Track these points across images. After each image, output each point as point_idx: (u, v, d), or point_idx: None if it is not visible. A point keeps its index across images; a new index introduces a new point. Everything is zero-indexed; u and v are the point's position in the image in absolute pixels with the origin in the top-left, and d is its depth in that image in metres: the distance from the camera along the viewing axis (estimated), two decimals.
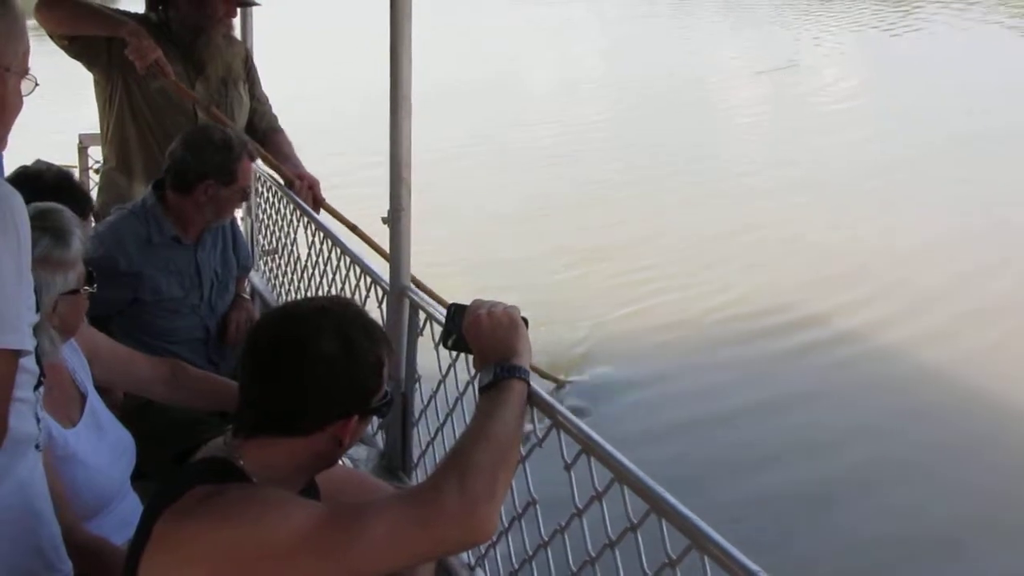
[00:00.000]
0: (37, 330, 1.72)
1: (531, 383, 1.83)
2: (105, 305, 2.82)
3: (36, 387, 1.79)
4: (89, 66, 3.80)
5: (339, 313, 1.73)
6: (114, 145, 3.88)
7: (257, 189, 4.51)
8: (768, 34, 22.06)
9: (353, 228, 4.00)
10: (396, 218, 2.67)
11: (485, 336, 1.85)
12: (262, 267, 4.55)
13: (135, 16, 3.84)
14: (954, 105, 13.80)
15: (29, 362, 1.70)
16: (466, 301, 1.97)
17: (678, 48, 20.79)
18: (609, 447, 1.84)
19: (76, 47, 3.71)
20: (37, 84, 1.76)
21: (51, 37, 3.68)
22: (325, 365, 1.66)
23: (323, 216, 3.88)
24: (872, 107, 14.57)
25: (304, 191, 3.85)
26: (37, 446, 1.84)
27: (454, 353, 2.22)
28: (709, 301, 7.36)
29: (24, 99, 1.73)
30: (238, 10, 4.01)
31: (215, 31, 3.85)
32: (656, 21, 25.88)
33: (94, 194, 4.82)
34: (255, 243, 4.57)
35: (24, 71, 1.71)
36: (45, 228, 2.11)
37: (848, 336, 6.79)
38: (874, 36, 21.59)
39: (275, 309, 1.94)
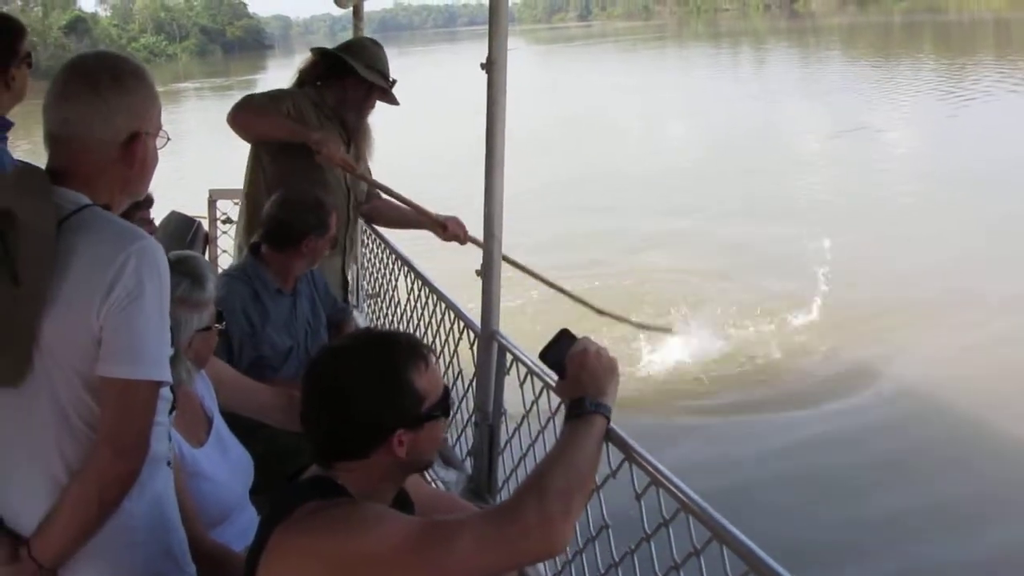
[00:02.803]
0: (173, 362, 1.80)
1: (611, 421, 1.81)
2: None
3: (170, 412, 1.85)
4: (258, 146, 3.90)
5: (360, 349, 1.74)
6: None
7: (363, 241, 4.59)
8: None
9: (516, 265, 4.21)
10: (488, 272, 2.69)
11: (588, 370, 1.81)
12: (365, 309, 4.62)
13: (292, 93, 3.90)
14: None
15: (165, 390, 1.78)
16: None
17: None
18: (676, 479, 1.83)
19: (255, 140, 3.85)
20: (168, 139, 1.84)
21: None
22: (356, 397, 1.67)
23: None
24: None
25: (457, 229, 4.04)
26: (168, 463, 1.88)
27: (536, 391, 2.20)
28: None
29: (159, 152, 1.81)
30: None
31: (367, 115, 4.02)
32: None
33: (221, 243, 4.95)
34: (360, 288, 4.64)
35: (158, 130, 1.80)
36: (184, 273, 2.19)
37: None
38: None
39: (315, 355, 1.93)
